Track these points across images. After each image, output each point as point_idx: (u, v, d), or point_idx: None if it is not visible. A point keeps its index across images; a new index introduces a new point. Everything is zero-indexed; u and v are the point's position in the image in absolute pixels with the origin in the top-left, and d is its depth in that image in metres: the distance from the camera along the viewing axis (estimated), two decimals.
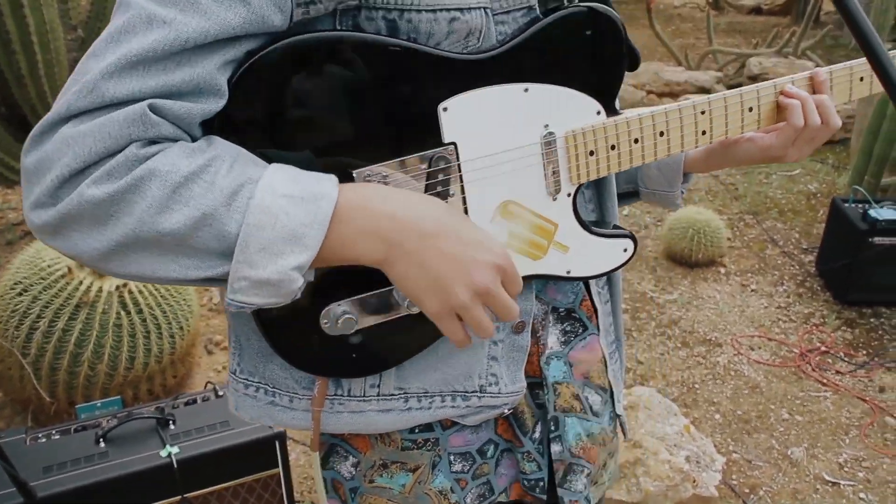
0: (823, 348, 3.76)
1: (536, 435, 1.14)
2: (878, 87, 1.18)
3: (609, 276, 1.20)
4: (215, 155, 0.82)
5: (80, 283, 2.78)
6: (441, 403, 1.05)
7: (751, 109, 1.14)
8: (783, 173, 6.03)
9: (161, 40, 0.79)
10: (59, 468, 2.00)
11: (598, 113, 1.02)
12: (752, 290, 4.31)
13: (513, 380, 1.08)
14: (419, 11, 0.89)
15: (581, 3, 1.00)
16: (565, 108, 1.00)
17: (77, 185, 0.79)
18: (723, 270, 4.52)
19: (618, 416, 1.29)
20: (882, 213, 3.90)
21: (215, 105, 0.83)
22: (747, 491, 2.88)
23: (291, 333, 0.96)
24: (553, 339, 1.13)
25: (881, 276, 3.91)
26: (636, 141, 1.05)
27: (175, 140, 0.82)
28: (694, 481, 2.61)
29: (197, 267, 0.83)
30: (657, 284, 4.37)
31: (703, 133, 1.11)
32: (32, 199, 0.81)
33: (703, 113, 1.09)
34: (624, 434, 1.35)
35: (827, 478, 2.96)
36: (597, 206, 1.16)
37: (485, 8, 0.93)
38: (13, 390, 2.93)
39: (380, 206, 0.86)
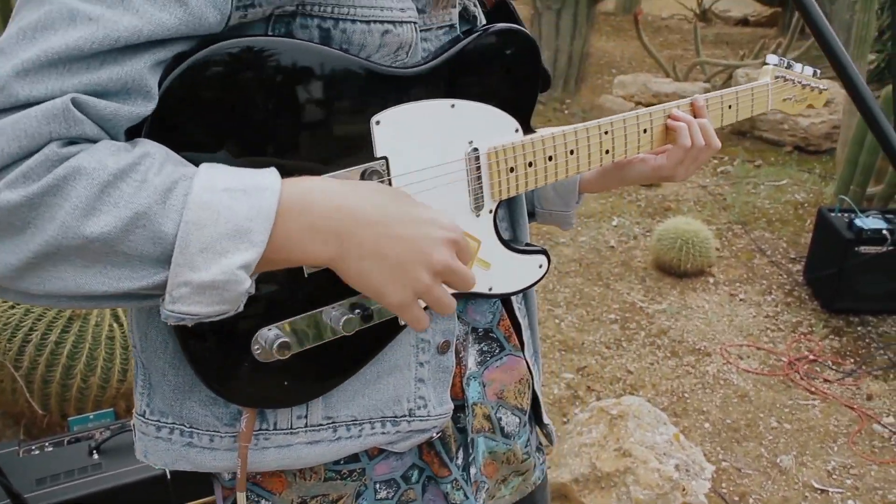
0: (811, 357, 3.80)
1: (459, 461, 1.13)
2: (743, 114, 1.38)
3: (526, 292, 1.22)
4: (145, 152, 0.75)
5: None
6: (371, 430, 1.01)
7: (645, 131, 1.21)
8: (771, 183, 6.09)
9: (87, 38, 0.72)
10: (52, 480, 2.01)
11: (517, 130, 1.05)
12: (741, 300, 4.35)
13: (440, 401, 1.07)
14: (354, 22, 0.88)
15: (505, 23, 1.03)
16: (487, 124, 1.02)
17: None
18: (711, 280, 4.56)
19: (545, 425, 1.32)
20: (867, 222, 3.94)
21: (144, 108, 0.77)
22: (737, 499, 2.90)
23: (221, 362, 0.89)
24: (471, 359, 1.13)
25: (867, 284, 3.96)
26: (550, 158, 1.09)
27: (97, 140, 0.75)
28: (683, 489, 2.63)
29: (129, 277, 0.74)
30: (646, 294, 4.40)
31: (607, 152, 1.17)
32: None
33: (606, 133, 1.15)
34: (550, 442, 1.35)
35: (816, 485, 2.99)
36: (510, 224, 1.17)
37: (415, 23, 0.94)
38: (5, 403, 2.93)
39: (325, 197, 0.81)
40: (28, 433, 2.92)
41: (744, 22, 14.63)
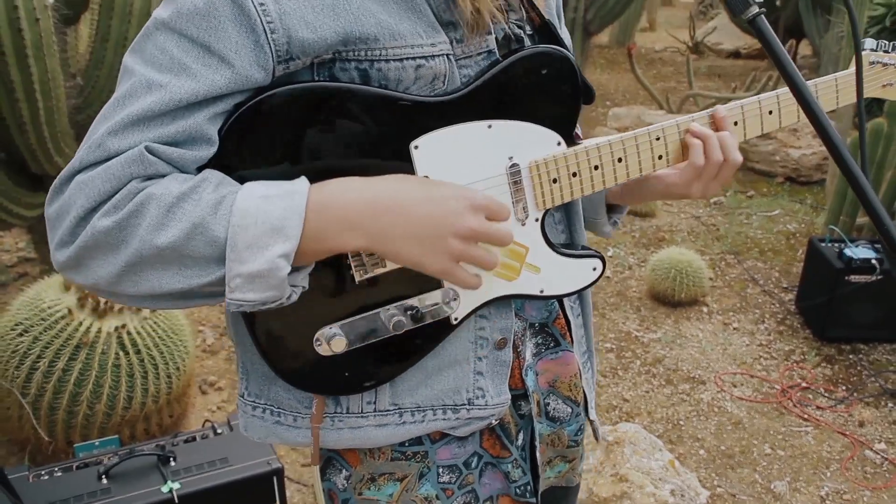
0: (804, 384, 3.86)
1: (520, 442, 1.24)
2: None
3: (580, 294, 1.29)
4: (203, 178, 0.94)
5: (80, 323, 2.84)
6: (433, 417, 1.13)
7: (662, 151, 1.20)
8: (763, 214, 6.19)
9: (158, 101, 0.92)
10: None
11: (559, 144, 1.11)
12: (735, 329, 4.42)
13: (498, 392, 1.17)
14: (387, 61, 0.99)
15: (537, 45, 1.11)
16: (527, 140, 1.09)
17: (90, 220, 0.92)
18: (705, 309, 4.63)
19: (591, 421, 1.38)
20: (857, 251, 4.03)
21: (207, 152, 0.95)
22: None
23: (288, 356, 1.05)
24: (528, 352, 1.22)
25: (857, 313, 4.03)
26: (596, 168, 1.14)
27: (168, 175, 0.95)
28: None
29: (197, 275, 0.93)
30: (642, 324, 4.47)
31: (660, 157, 1.19)
32: (56, 241, 0.94)
33: (657, 139, 1.18)
34: (596, 438, 1.42)
35: None
36: (566, 228, 1.25)
37: (447, 55, 1.03)
38: (11, 430, 2.98)
39: (348, 195, 0.95)
40: (33, 460, 2.96)
41: (735, 54, 14.84)
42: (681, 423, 3.57)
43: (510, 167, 1.09)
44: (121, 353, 2.88)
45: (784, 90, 1.20)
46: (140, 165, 0.91)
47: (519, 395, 1.22)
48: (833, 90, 1.30)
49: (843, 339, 4.18)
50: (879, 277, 3.91)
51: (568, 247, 1.20)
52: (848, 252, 4.01)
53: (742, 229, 5.88)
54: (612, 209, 1.37)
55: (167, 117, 0.92)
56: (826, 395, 3.79)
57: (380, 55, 0.99)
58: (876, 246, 4.14)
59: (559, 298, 1.24)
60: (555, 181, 1.12)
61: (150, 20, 0.98)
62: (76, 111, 3.81)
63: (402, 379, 1.11)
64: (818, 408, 3.69)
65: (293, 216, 0.91)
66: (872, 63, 1.37)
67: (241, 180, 0.96)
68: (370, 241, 0.96)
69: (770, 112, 1.25)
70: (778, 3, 13.71)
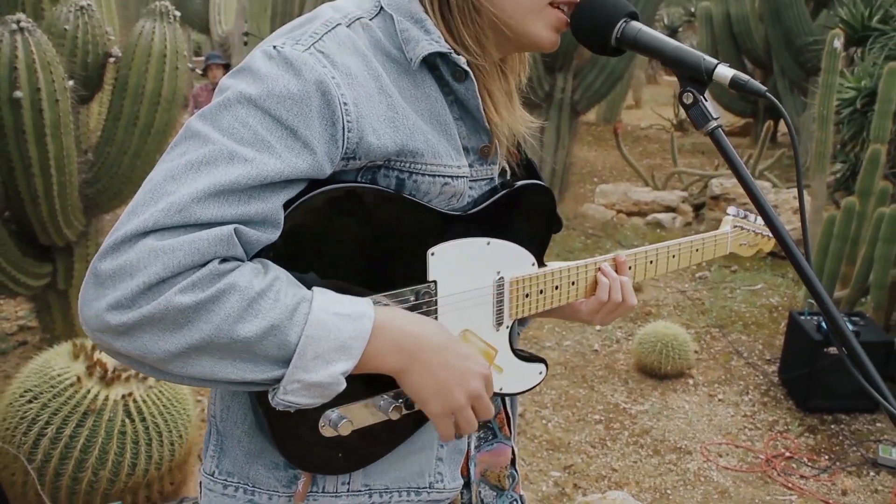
0: (788, 454, 3.96)
1: None
2: (707, 256, 1.61)
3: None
4: (276, 276, 0.97)
5: (88, 391, 2.94)
6: (398, 498, 1.20)
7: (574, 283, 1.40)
8: (747, 288, 6.36)
9: (244, 175, 0.93)
10: None
11: (533, 264, 1.28)
12: (720, 400, 4.53)
13: (453, 477, 1.27)
14: (423, 175, 1.10)
15: (535, 180, 1.29)
16: (513, 258, 1.25)
17: (163, 292, 0.89)
18: (691, 381, 4.75)
19: (520, 496, 1.48)
20: None
21: (274, 235, 0.98)
22: None
23: (294, 435, 1.10)
24: (472, 444, 1.34)
25: (837, 384, 4.16)
26: (556, 287, 1.32)
27: (240, 260, 0.96)
28: None
29: (252, 370, 0.95)
30: (629, 396, 4.58)
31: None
32: (111, 301, 0.89)
33: (598, 269, 1.37)
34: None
35: None
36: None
37: (466, 177, 1.17)
38: (15, 496, 3.04)
39: (403, 326, 1.04)
40: None
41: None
42: (668, 492, 3.66)
43: (497, 280, 1.23)
44: (126, 421, 2.97)
45: (687, 239, 1.56)
46: (225, 247, 0.92)
47: (465, 482, 1.33)
48: (713, 245, 1.63)
49: (824, 410, 4.30)
50: None
51: (523, 351, 1.35)
52: (826, 325, 4.16)
53: (726, 303, 6.05)
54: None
55: (249, 194, 0.94)
56: (809, 464, 3.89)
57: (420, 169, 1.10)
58: (853, 319, 4.31)
59: (510, 396, 1.39)
60: (527, 296, 1.28)
61: (230, 92, 0.99)
62: (86, 185, 3.96)
63: (375, 463, 1.18)
64: (802, 477, 3.78)
65: (359, 338, 0.98)
66: (736, 226, 1.69)
67: (289, 265, 1.01)
68: (404, 369, 1.05)
69: (651, 262, 1.51)
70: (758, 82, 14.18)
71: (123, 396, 2.98)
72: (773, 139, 13.70)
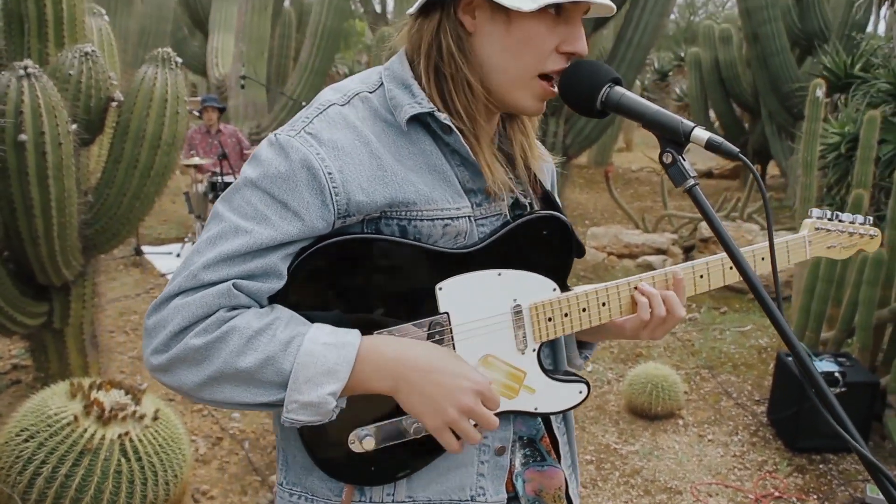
0: (777, 494, 3.99)
1: None
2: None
3: (565, 415, 1.51)
4: (276, 317, 1.17)
5: (85, 430, 2.98)
6: None
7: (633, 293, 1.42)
8: (736, 329, 6.43)
9: (244, 244, 1.16)
10: None
11: (554, 290, 1.35)
12: (709, 440, 4.58)
13: (496, 491, 1.36)
14: (422, 220, 1.24)
15: (539, 211, 1.37)
16: (529, 286, 1.33)
17: (183, 338, 1.14)
18: (681, 422, 4.79)
19: None
20: (821, 365, 4.25)
21: (277, 284, 1.19)
22: None
23: (328, 451, 1.27)
24: (517, 461, 1.42)
25: (825, 424, 4.16)
26: (584, 310, 1.38)
27: (249, 307, 1.18)
28: None
29: (262, 394, 1.15)
30: (620, 436, 4.62)
31: (636, 304, 1.42)
32: (151, 348, 1.16)
33: (635, 289, 1.42)
34: None
35: None
36: (552, 358, 1.48)
37: (469, 217, 1.28)
38: None
39: (387, 352, 1.18)
40: None
41: (708, 174, 15.47)
42: None
43: (514, 307, 1.32)
44: (122, 460, 3.00)
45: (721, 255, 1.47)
46: (227, 298, 1.15)
47: (511, 497, 1.40)
48: (784, 251, 1.58)
49: (812, 450, 4.35)
50: (843, 390, 4.12)
51: (557, 372, 1.42)
52: (796, 366, 4.22)
53: (716, 344, 6.11)
54: (583, 345, 1.60)
55: (250, 256, 1.16)
56: None
57: (416, 216, 1.24)
58: (839, 360, 4.38)
59: (549, 416, 1.45)
60: (550, 320, 1.35)
61: (240, 177, 1.23)
62: (85, 226, 4.03)
63: (417, 475, 1.30)
64: None
65: (344, 364, 1.15)
66: (818, 229, 1.62)
67: (299, 308, 1.19)
68: (394, 389, 1.18)
69: (700, 276, 1.49)
70: (746, 126, 14.44)
71: (120, 436, 3.02)
72: (763, 181, 13.88)
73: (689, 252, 8.69)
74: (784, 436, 4.50)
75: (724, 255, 1.49)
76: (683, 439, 4.59)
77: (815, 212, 1.62)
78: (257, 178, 1.19)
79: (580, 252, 1.40)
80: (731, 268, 1.48)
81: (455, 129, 1.26)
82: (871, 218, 1.66)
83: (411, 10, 1.31)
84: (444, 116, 1.25)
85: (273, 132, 1.25)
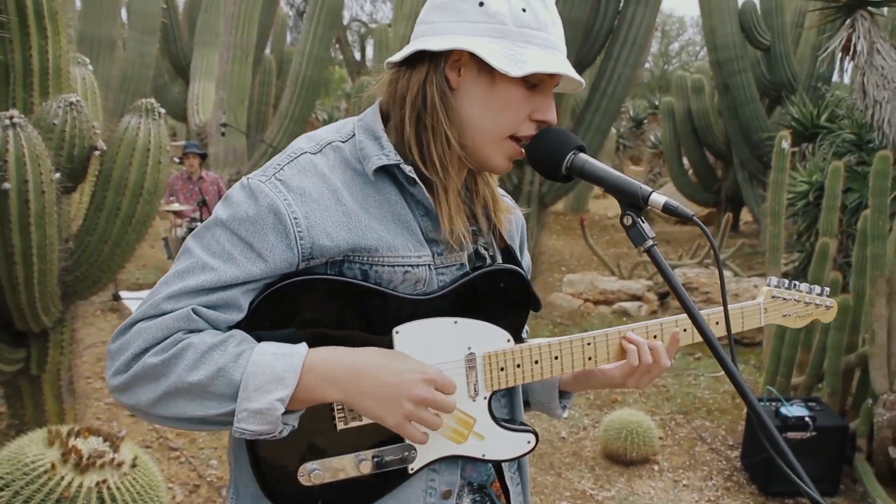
0: None
1: None
2: (735, 329, 1.50)
3: (519, 463, 1.55)
4: (230, 335, 1.22)
5: (62, 478, 2.97)
6: None
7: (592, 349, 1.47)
8: (710, 375, 6.51)
9: (208, 280, 1.22)
10: None
11: (508, 340, 1.41)
12: (684, 486, 4.62)
13: None
14: (382, 266, 1.29)
15: (498, 264, 1.43)
16: (484, 336, 1.38)
17: (142, 357, 1.20)
18: (656, 467, 4.84)
19: None
20: (792, 410, 4.33)
21: (236, 317, 1.24)
22: None
23: (278, 482, 1.30)
24: None
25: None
26: (536, 362, 1.42)
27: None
28: None
29: (213, 406, 1.19)
30: (596, 482, 4.65)
31: (590, 359, 1.47)
32: (113, 370, 1.23)
33: (588, 344, 1.46)
34: None
35: None
36: (509, 405, 1.53)
37: (428, 265, 1.34)
38: None
39: (333, 361, 1.23)
40: None
41: (683, 221, 15.71)
42: None
43: (468, 355, 1.36)
44: None
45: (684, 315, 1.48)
46: (186, 322, 1.21)
47: None
48: (739, 318, 1.61)
49: (786, 494, 4.41)
50: (814, 434, 4.20)
51: (509, 421, 1.47)
52: (784, 410, 4.32)
53: (690, 390, 6.19)
54: (562, 395, 1.63)
55: (211, 290, 1.22)
56: None
57: (377, 261, 1.29)
58: (809, 404, 4.46)
59: (497, 463, 1.49)
60: (502, 369, 1.40)
61: (212, 216, 1.28)
62: (65, 272, 4.05)
63: None
64: None
65: (291, 371, 1.19)
66: (774, 297, 1.64)
67: (260, 339, 1.23)
68: (346, 396, 1.23)
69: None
70: (719, 174, 14.73)
71: (98, 483, 3.01)
72: (735, 228, 14.13)
73: (663, 298, 8.81)
74: (758, 480, 4.55)
75: (680, 316, 1.54)
76: (659, 484, 4.63)
77: (773, 280, 1.66)
78: (227, 219, 1.26)
79: (537, 306, 1.45)
80: (684, 330, 1.52)
81: (419, 182, 1.32)
82: (828, 289, 1.70)
83: (394, 58, 1.36)
84: (409, 169, 1.31)
85: (246, 176, 1.31)
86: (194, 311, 1.21)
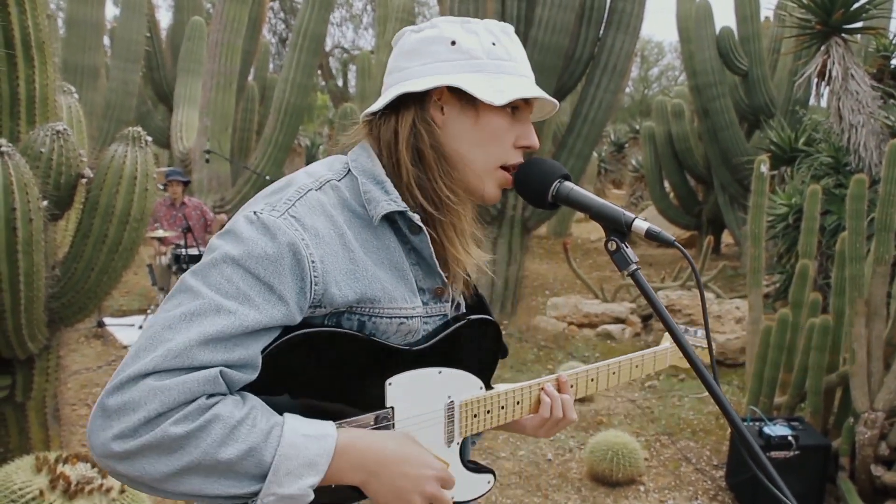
0: None
1: None
2: (647, 371, 1.79)
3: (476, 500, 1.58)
4: (252, 406, 1.14)
5: None
6: None
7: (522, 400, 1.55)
8: (694, 396, 6.56)
9: (228, 325, 1.11)
10: None
11: (481, 388, 1.46)
12: None
13: None
14: (381, 317, 1.28)
15: (481, 315, 1.47)
16: (462, 384, 1.43)
17: (160, 424, 1.06)
18: (642, 488, 4.86)
19: None
20: (775, 429, 4.38)
21: (253, 376, 1.16)
22: None
23: None
24: None
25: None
26: (502, 408, 1.49)
27: (224, 395, 1.13)
28: None
29: (234, 486, 1.11)
30: (583, 503, 4.67)
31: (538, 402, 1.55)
32: (115, 432, 1.06)
33: (542, 389, 1.55)
34: None
35: None
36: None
37: (420, 316, 1.35)
38: None
39: (363, 445, 1.20)
40: None
41: (665, 245, 15.82)
42: None
43: (448, 404, 1.41)
44: None
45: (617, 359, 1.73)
46: (212, 385, 1.10)
47: None
48: (651, 362, 1.83)
49: None
50: (797, 453, 4.25)
51: (474, 463, 1.52)
52: (767, 430, 4.37)
53: (675, 411, 6.23)
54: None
55: (232, 342, 1.11)
56: None
57: (377, 312, 1.28)
58: (792, 424, 4.51)
59: None
60: (475, 416, 1.45)
61: (217, 253, 1.17)
62: (51, 299, 4.05)
63: None
64: None
65: (324, 455, 1.14)
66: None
67: (260, 392, 1.17)
68: (365, 482, 1.21)
69: (592, 380, 1.68)
70: (700, 197, 14.88)
71: None
72: (717, 251, 14.26)
73: (647, 321, 8.87)
74: (743, 500, 4.59)
75: (615, 360, 1.73)
76: None
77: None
78: (240, 256, 1.15)
79: (504, 354, 1.52)
80: (614, 373, 1.70)
81: (425, 231, 1.32)
82: (699, 331, 1.90)
83: (374, 107, 1.36)
84: (416, 217, 1.30)
85: (251, 210, 1.22)
86: (222, 373, 1.11)
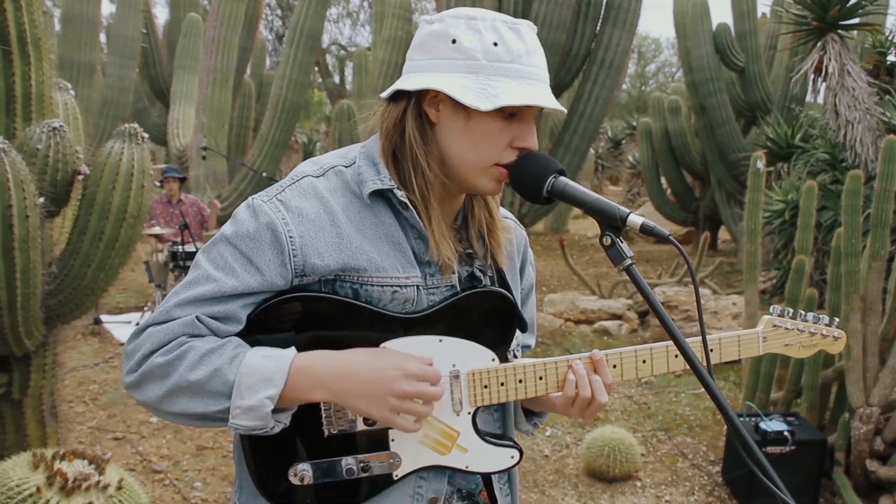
0: None
1: None
2: (728, 356, 1.54)
3: (509, 475, 1.59)
4: (227, 340, 1.33)
5: (48, 501, 2.97)
6: None
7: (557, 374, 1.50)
8: (691, 392, 6.58)
9: (211, 290, 1.33)
10: None
11: (493, 360, 1.45)
12: (667, 501, 4.66)
13: None
14: (372, 286, 1.37)
15: (485, 286, 1.48)
16: (469, 354, 1.44)
17: (150, 358, 1.32)
18: (639, 484, 4.88)
19: None
20: (771, 425, 4.40)
21: (235, 328, 1.36)
22: None
23: (271, 481, 1.40)
24: None
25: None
26: (520, 381, 1.47)
27: (204, 336, 1.34)
28: None
29: (211, 404, 1.30)
30: (579, 499, 4.68)
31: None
32: (127, 368, 1.35)
33: (570, 367, 1.49)
34: None
35: None
36: (501, 421, 1.58)
37: (417, 285, 1.40)
38: None
39: (318, 365, 1.31)
40: None
41: (661, 240, 15.82)
42: None
43: (452, 372, 1.42)
44: None
45: (659, 345, 1.53)
46: (190, 327, 1.32)
47: None
48: (736, 345, 1.59)
49: None
50: (793, 448, 4.26)
51: (496, 436, 1.51)
52: (763, 425, 4.38)
53: (671, 407, 6.24)
54: (533, 413, 1.67)
55: (213, 301, 1.33)
56: None
57: (367, 281, 1.38)
58: (788, 419, 4.53)
59: (484, 476, 1.54)
60: (486, 387, 1.45)
61: (219, 232, 1.39)
62: (48, 296, 4.05)
63: None
64: None
65: (279, 372, 1.29)
66: (776, 326, 1.63)
67: (257, 344, 1.34)
68: (333, 397, 1.32)
69: (644, 361, 1.54)
70: (697, 193, 14.90)
71: None
72: (714, 247, 14.27)
73: (643, 317, 8.89)
74: (739, 495, 4.60)
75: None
76: (641, 500, 4.67)
77: (776, 308, 1.62)
78: (231, 235, 1.37)
79: (523, 327, 1.51)
80: (676, 356, 1.52)
81: (411, 206, 1.40)
82: (838, 320, 1.65)
83: (384, 94, 1.44)
84: (402, 194, 1.39)
85: (252, 196, 1.41)
86: (198, 318, 1.32)
